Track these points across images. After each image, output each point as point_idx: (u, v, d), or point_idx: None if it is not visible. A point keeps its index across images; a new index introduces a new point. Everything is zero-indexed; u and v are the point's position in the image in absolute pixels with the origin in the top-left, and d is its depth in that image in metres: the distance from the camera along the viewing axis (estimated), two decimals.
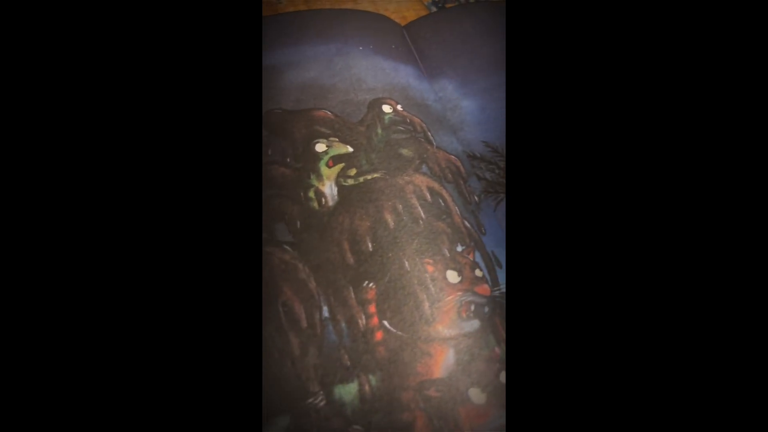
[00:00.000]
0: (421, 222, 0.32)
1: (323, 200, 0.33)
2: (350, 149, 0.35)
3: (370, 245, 0.31)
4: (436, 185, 0.35)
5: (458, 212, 0.34)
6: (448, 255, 0.32)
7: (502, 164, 0.39)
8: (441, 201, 0.34)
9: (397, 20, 0.48)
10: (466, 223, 0.34)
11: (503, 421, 0.27)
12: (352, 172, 0.34)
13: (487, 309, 0.30)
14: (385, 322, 0.29)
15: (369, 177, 0.34)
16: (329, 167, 0.34)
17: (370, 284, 0.30)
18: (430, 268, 0.31)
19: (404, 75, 0.41)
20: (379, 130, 0.36)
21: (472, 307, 0.30)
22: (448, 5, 0.51)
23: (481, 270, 0.32)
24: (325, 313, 0.29)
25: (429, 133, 0.38)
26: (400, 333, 0.29)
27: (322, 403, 0.26)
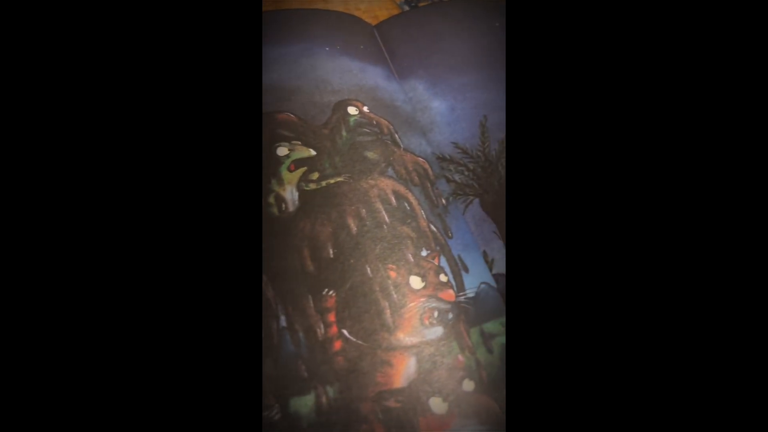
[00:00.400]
0: (385, 227, 0.32)
1: (283, 206, 0.32)
2: (313, 153, 0.34)
3: (331, 252, 0.30)
4: (401, 188, 0.34)
5: (424, 216, 0.33)
6: (412, 260, 0.31)
7: (472, 166, 0.38)
8: (406, 205, 0.33)
9: (369, 20, 0.47)
10: (432, 226, 0.33)
11: (465, 431, 0.26)
12: (315, 176, 0.33)
13: (451, 315, 0.30)
14: (345, 331, 0.28)
15: (332, 181, 0.33)
16: (290, 171, 0.33)
17: (330, 292, 0.29)
18: (393, 274, 0.30)
19: (372, 76, 0.40)
20: (344, 133, 0.35)
21: (436, 314, 0.29)
22: (421, 4, 0.50)
23: (446, 275, 0.31)
24: (283, 322, 0.28)
25: (396, 135, 0.37)
26: (359, 342, 0.28)
27: (277, 417, 0.26)
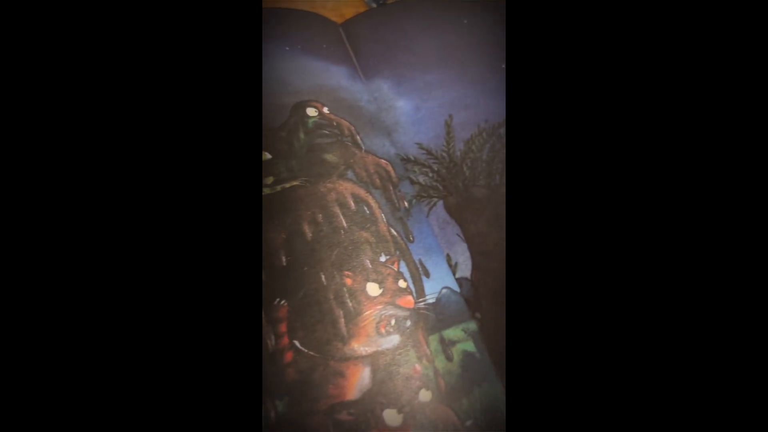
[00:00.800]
0: (342, 232, 0.31)
1: None
2: (268, 156, 0.33)
3: (284, 259, 0.29)
4: (361, 192, 0.33)
5: (384, 220, 0.32)
6: (370, 266, 0.30)
7: (436, 167, 0.37)
8: (366, 208, 0.33)
9: (335, 18, 0.46)
10: (393, 230, 0.32)
11: None
12: (269, 180, 0.32)
13: (409, 322, 0.29)
14: (296, 342, 0.27)
15: (287, 185, 0.32)
16: None
17: (282, 301, 0.28)
18: (348, 281, 0.29)
19: (335, 75, 0.39)
20: (302, 135, 0.34)
21: (393, 322, 0.28)
22: (389, 1, 0.49)
23: (405, 281, 0.30)
24: None
25: (358, 137, 0.36)
26: (312, 353, 0.27)
27: None
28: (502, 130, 0.39)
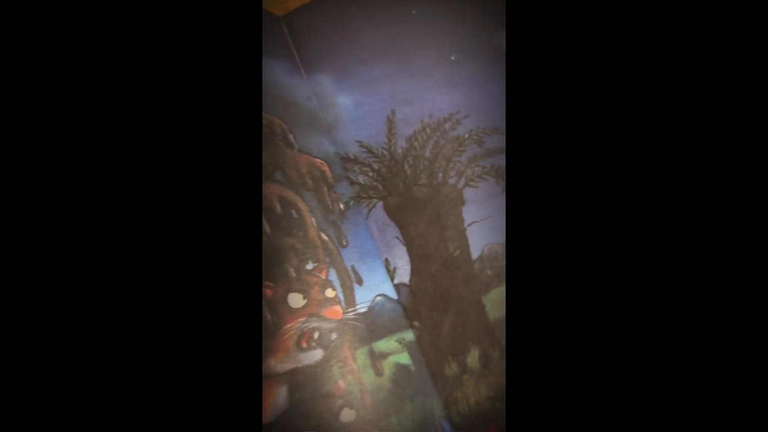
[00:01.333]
0: (264, 238, 0.28)
1: None
2: None
3: None
4: (290, 194, 0.31)
5: (315, 224, 0.30)
6: (294, 275, 0.28)
7: (377, 166, 0.35)
8: (294, 212, 0.30)
9: (277, 11, 0.44)
10: (323, 235, 0.30)
11: None
12: None
13: (335, 335, 0.27)
14: None
15: None
16: None
17: None
18: (269, 293, 0.27)
19: (269, 71, 0.37)
20: None
21: (316, 335, 0.26)
22: None
23: (334, 289, 0.28)
24: None
25: (290, 135, 0.34)
26: None
27: None
28: (448, 125, 0.37)
